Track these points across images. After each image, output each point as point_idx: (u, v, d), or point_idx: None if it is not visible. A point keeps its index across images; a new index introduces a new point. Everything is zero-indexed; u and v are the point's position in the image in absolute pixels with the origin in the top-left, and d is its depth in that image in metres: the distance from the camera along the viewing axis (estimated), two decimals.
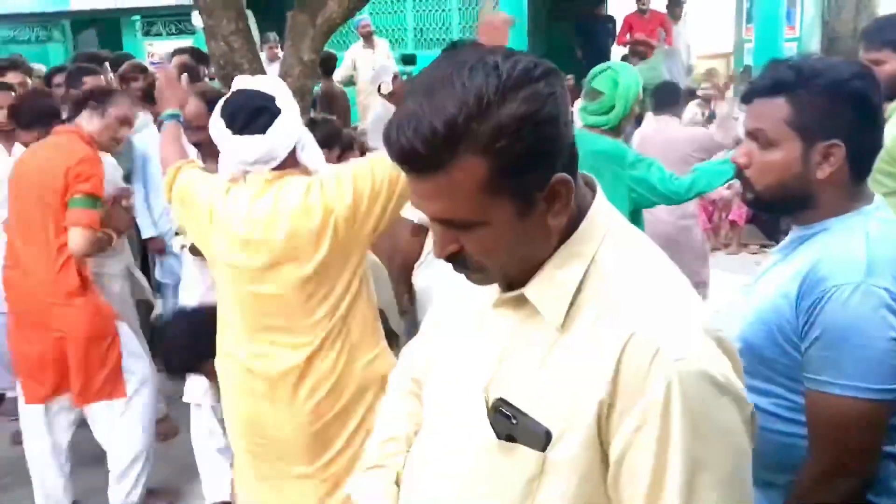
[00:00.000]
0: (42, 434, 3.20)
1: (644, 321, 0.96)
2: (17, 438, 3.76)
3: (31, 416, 3.20)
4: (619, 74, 3.05)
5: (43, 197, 3.01)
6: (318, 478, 2.21)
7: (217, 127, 2.14)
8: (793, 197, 1.48)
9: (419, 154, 0.92)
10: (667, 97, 4.81)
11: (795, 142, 1.44)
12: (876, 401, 1.34)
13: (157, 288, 4.34)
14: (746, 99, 1.52)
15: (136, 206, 4.26)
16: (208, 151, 2.75)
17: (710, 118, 6.39)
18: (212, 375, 2.41)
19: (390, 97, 3.58)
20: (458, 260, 1.02)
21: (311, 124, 3.03)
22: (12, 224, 3.17)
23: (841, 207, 1.46)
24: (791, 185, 1.46)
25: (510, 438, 1.02)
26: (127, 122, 3.29)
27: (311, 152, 2.20)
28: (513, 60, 0.93)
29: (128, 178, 4.29)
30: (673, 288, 1.02)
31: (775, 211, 1.61)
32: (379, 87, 4.66)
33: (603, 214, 1.05)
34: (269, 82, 2.25)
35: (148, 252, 4.56)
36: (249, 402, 2.23)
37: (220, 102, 2.19)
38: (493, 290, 1.09)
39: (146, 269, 4.65)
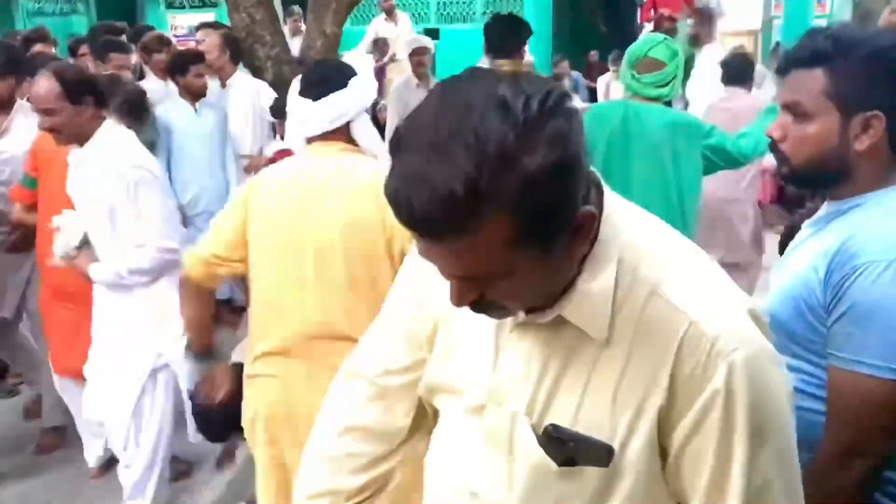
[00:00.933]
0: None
1: (690, 317, 0.93)
2: (29, 412, 3.84)
3: (68, 387, 3.26)
4: (675, 45, 3.03)
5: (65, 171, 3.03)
6: None
7: (293, 97, 2.11)
8: (830, 170, 1.43)
9: (436, 221, 0.81)
10: (738, 69, 4.81)
11: (833, 113, 1.40)
12: None
13: None
14: (782, 71, 1.46)
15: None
16: (65, 136, 2.70)
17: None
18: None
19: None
20: (479, 307, 0.94)
21: None
22: (44, 199, 3.21)
23: (877, 182, 1.42)
24: (828, 158, 1.42)
25: (569, 461, 0.99)
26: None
27: (366, 131, 2.14)
28: (524, 95, 0.82)
29: (151, 148, 4.32)
30: (706, 274, 1.00)
31: (811, 185, 1.56)
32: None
33: (617, 212, 1.00)
34: (352, 57, 2.31)
35: None
36: (282, 398, 2.09)
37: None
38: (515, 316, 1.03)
39: None
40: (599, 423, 0.97)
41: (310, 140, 2.12)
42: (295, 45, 5.86)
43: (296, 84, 2.14)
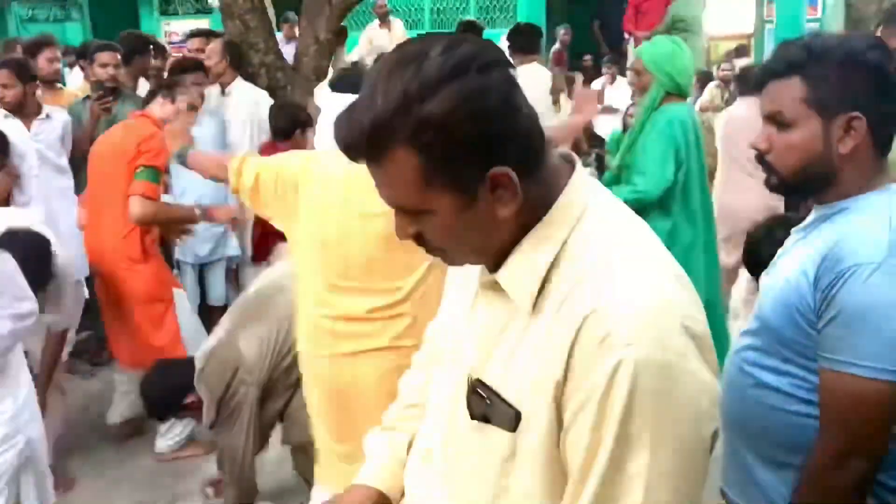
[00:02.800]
0: None
1: (601, 303, 0.94)
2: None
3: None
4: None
5: (114, 170, 3.33)
6: None
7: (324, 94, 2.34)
8: (816, 176, 1.45)
9: (352, 146, 0.98)
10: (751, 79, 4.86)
11: (814, 119, 1.42)
12: (892, 382, 1.33)
13: (177, 266, 4.38)
14: (759, 84, 1.50)
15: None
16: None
17: (730, 100, 6.35)
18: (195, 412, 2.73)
19: None
20: (421, 242, 1.05)
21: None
22: (90, 196, 3.57)
23: (863, 185, 1.44)
24: (814, 163, 1.44)
25: (485, 419, 1.04)
26: (194, 108, 3.64)
27: None
28: (451, 53, 0.93)
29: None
30: (642, 268, 0.99)
31: (800, 193, 1.58)
32: None
33: (580, 194, 1.04)
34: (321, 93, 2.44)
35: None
36: (332, 367, 2.27)
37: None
38: (483, 271, 1.10)
39: (166, 248, 4.69)
40: (517, 389, 1.00)
41: None
42: (289, 51, 5.87)
43: (325, 86, 2.37)
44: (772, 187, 1.54)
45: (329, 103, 2.30)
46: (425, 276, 2.22)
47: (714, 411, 0.97)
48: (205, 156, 2.62)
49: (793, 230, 1.58)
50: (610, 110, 7.09)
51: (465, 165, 0.95)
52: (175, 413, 2.84)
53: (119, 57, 4.46)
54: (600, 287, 0.95)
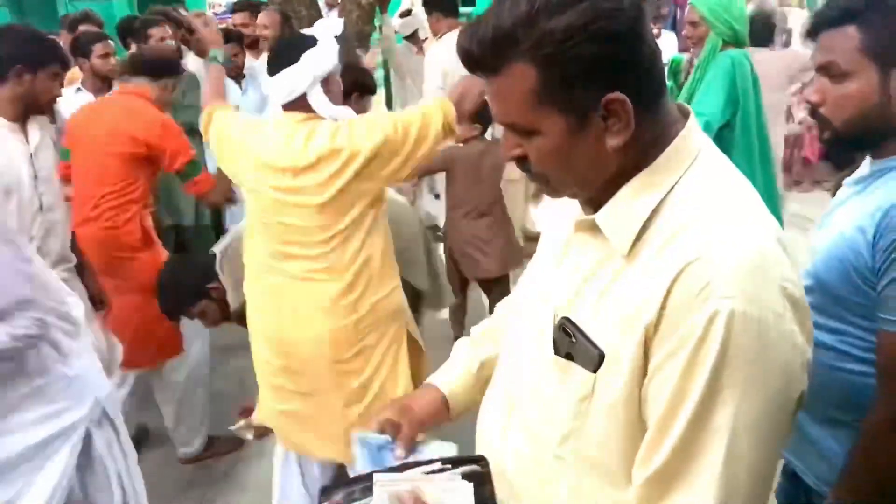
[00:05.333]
0: None
1: (703, 253, 0.93)
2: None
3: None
4: None
5: (111, 155, 3.11)
6: (342, 401, 2.37)
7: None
8: (873, 129, 1.41)
9: (473, 57, 0.99)
10: (758, 32, 4.69)
11: (871, 70, 1.38)
12: None
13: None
14: (812, 33, 1.46)
15: (207, 157, 4.39)
16: None
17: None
18: (202, 317, 2.70)
19: None
20: (524, 166, 1.05)
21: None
22: (77, 182, 3.23)
23: None
24: (871, 116, 1.40)
25: (569, 356, 1.04)
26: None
27: (320, 100, 2.29)
28: None
29: (193, 130, 4.40)
30: (747, 224, 0.97)
31: (855, 147, 1.51)
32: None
33: (692, 143, 1.03)
34: (324, 24, 2.42)
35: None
36: (275, 321, 2.40)
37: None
38: (579, 214, 1.10)
39: (218, 215, 4.79)
40: (603, 330, 1.01)
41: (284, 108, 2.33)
42: (331, 17, 5.86)
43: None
44: (825, 142, 1.49)
45: (265, 84, 2.40)
46: (351, 243, 2.29)
47: (804, 376, 0.96)
48: (212, 85, 2.70)
49: (845, 182, 1.54)
50: None
51: (581, 86, 0.95)
52: (195, 302, 2.69)
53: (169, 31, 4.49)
54: (704, 237, 0.94)
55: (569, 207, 1.15)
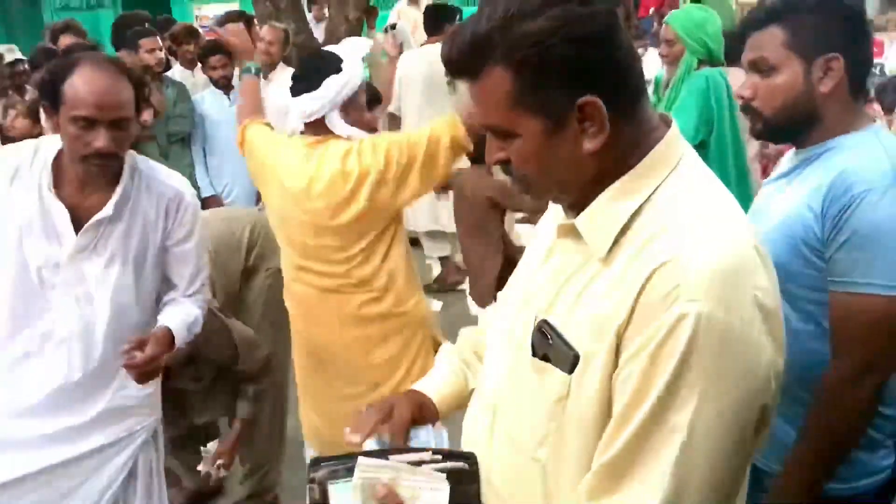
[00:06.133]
0: None
1: (674, 255, 0.94)
2: None
3: None
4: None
5: None
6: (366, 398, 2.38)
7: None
8: (800, 116, 1.53)
9: (454, 63, 1.03)
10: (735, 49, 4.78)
11: (795, 61, 1.51)
12: None
13: None
14: (740, 37, 1.59)
15: (196, 165, 4.42)
16: None
17: None
18: None
19: None
20: (507, 169, 1.08)
21: None
22: None
23: (846, 124, 1.52)
24: (798, 103, 1.52)
25: (545, 358, 1.05)
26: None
27: (337, 124, 2.34)
28: None
29: (188, 139, 4.43)
30: (723, 231, 0.98)
31: (785, 135, 1.63)
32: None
33: (673, 151, 1.04)
34: (351, 44, 2.48)
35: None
36: (305, 328, 2.51)
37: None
38: (562, 216, 1.13)
39: None
40: (578, 332, 1.02)
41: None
42: (319, 32, 5.94)
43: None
44: (757, 134, 1.62)
45: (284, 102, 2.44)
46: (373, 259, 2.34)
47: (769, 386, 0.96)
48: (246, 97, 2.81)
49: (765, 182, 1.68)
50: None
51: (555, 89, 0.97)
52: None
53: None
54: (678, 241, 0.95)
55: (555, 211, 1.17)
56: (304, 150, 2.32)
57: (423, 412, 1.30)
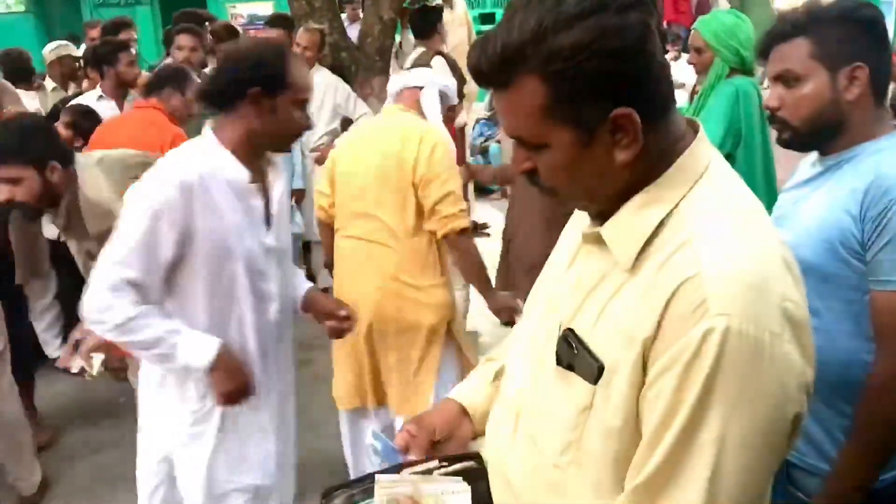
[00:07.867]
0: None
1: (701, 268, 0.93)
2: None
3: None
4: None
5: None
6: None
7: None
8: (828, 124, 1.57)
9: (482, 72, 1.00)
10: None
11: (821, 72, 1.55)
12: None
13: None
14: (765, 51, 1.63)
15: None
16: None
17: None
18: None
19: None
20: (533, 179, 1.06)
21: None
22: None
23: (870, 132, 1.56)
24: (825, 112, 1.56)
25: (570, 367, 1.05)
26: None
27: (431, 101, 2.72)
28: None
29: None
30: (750, 242, 0.96)
31: (812, 144, 1.65)
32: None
33: (700, 159, 1.03)
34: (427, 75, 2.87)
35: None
36: (339, 281, 2.80)
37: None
38: (587, 225, 1.11)
39: None
40: (604, 343, 1.01)
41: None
42: (353, 32, 5.94)
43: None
44: (785, 143, 1.64)
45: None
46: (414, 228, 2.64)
47: (800, 397, 0.95)
48: None
49: (786, 188, 1.73)
50: (676, 85, 6.98)
51: (589, 101, 0.96)
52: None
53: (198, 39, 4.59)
54: (705, 253, 0.94)
55: (580, 216, 1.17)
56: (386, 116, 2.74)
57: (452, 423, 1.32)
